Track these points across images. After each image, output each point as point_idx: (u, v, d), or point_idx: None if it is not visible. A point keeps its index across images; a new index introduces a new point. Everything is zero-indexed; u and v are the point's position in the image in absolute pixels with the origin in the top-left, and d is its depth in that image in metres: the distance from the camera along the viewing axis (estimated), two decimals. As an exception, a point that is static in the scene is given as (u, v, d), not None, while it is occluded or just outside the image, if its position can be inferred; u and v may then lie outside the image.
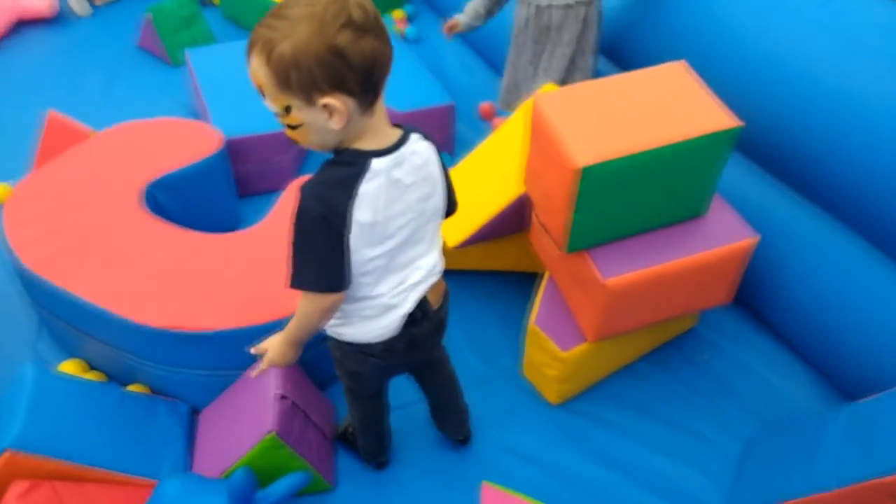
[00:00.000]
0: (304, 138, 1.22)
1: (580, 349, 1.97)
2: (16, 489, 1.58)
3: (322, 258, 1.26)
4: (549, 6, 2.40)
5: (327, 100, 1.13)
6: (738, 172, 2.23)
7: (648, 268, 1.81)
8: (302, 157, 2.92)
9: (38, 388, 1.77)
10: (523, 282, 2.40)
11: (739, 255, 1.88)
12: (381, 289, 1.38)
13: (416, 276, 1.43)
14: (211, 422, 1.93)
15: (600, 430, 2.05)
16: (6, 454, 1.61)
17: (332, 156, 1.26)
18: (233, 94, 2.78)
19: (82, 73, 3.50)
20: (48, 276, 1.94)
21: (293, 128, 1.20)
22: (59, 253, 2.00)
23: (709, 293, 1.97)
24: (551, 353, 1.97)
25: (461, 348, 2.25)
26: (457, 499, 1.84)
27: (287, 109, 1.17)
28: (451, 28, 2.64)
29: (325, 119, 1.16)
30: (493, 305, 2.40)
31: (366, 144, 1.23)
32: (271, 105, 1.18)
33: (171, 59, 3.54)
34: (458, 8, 2.69)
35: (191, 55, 3.07)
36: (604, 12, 2.50)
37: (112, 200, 2.18)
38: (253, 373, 1.50)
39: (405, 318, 1.45)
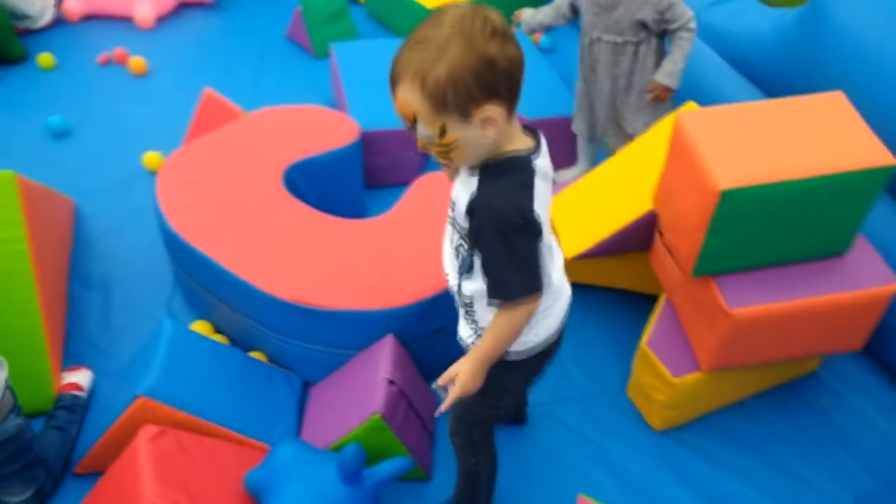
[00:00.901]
0: (460, 156, 1.22)
1: (692, 377, 1.92)
2: (145, 433, 1.69)
3: (529, 263, 1.26)
4: (599, 39, 2.48)
5: (483, 112, 1.15)
6: (884, 213, 2.10)
7: (779, 302, 1.74)
8: (428, 156, 3.00)
9: (173, 342, 1.91)
10: (637, 302, 2.37)
11: (880, 301, 1.77)
12: (554, 277, 1.41)
13: (561, 259, 1.47)
14: (321, 397, 2.02)
15: (703, 463, 1.98)
16: (140, 400, 1.75)
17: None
18: (371, 88, 2.90)
19: (235, 56, 3.75)
20: (192, 241, 2.09)
21: (447, 149, 1.20)
22: (204, 221, 2.15)
23: (840, 337, 1.87)
24: (661, 378, 1.93)
25: (565, 361, 2.25)
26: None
27: (443, 131, 1.18)
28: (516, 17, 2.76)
29: (480, 132, 1.18)
30: (602, 322, 2.37)
31: (516, 146, 1.25)
32: (426, 130, 1.19)
33: (315, 51, 3.72)
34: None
35: (335, 49, 3.22)
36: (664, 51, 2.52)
37: (256, 178, 2.32)
38: (437, 413, 1.41)
39: (568, 303, 1.49)
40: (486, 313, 1.37)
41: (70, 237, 2.58)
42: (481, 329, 1.41)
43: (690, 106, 2.12)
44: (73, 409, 1.97)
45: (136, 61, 3.59)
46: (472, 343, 1.45)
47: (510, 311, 1.29)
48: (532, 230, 1.23)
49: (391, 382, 1.84)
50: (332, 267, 2.02)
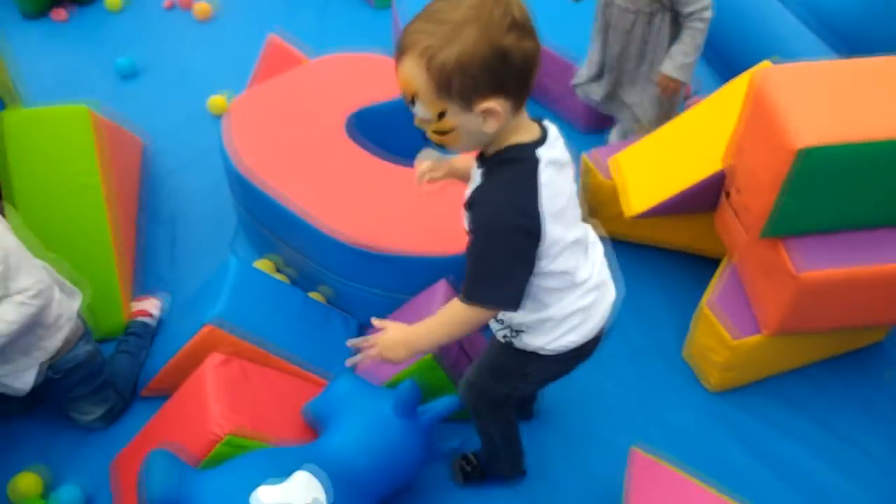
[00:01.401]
0: (455, 142, 1.18)
1: (753, 340, 1.90)
2: (212, 360, 1.76)
3: (508, 274, 1.22)
4: (612, 3, 2.29)
5: (487, 104, 1.10)
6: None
7: (848, 267, 1.70)
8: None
9: (238, 277, 1.96)
10: (697, 264, 2.34)
11: (957, 272, 1.71)
12: (582, 273, 1.34)
13: (599, 254, 1.42)
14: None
15: (757, 424, 1.98)
16: (208, 328, 1.82)
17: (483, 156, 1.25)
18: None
19: (298, 3, 3.75)
20: (256, 182, 2.13)
21: (443, 133, 1.17)
22: (269, 162, 2.19)
23: (912, 308, 1.82)
24: (721, 339, 1.92)
25: (621, 318, 2.23)
26: (605, 461, 1.85)
27: (441, 115, 1.13)
28: None
29: (480, 122, 1.13)
30: (660, 282, 2.35)
31: (521, 137, 1.20)
32: (424, 110, 1.14)
33: (375, 3, 3.71)
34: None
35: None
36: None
37: (320, 123, 2.34)
38: (349, 362, 1.36)
39: (612, 303, 1.44)
40: (516, 315, 1.35)
41: (139, 174, 2.65)
42: (511, 327, 1.39)
43: (765, 64, 2.05)
44: (143, 335, 2.05)
45: (201, 6, 3.62)
46: (504, 336, 1.43)
47: (468, 309, 1.25)
48: (531, 236, 1.18)
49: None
50: (392, 212, 2.04)
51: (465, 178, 1.39)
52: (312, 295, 2.18)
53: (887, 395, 2.05)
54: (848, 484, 1.86)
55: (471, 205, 1.23)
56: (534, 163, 1.18)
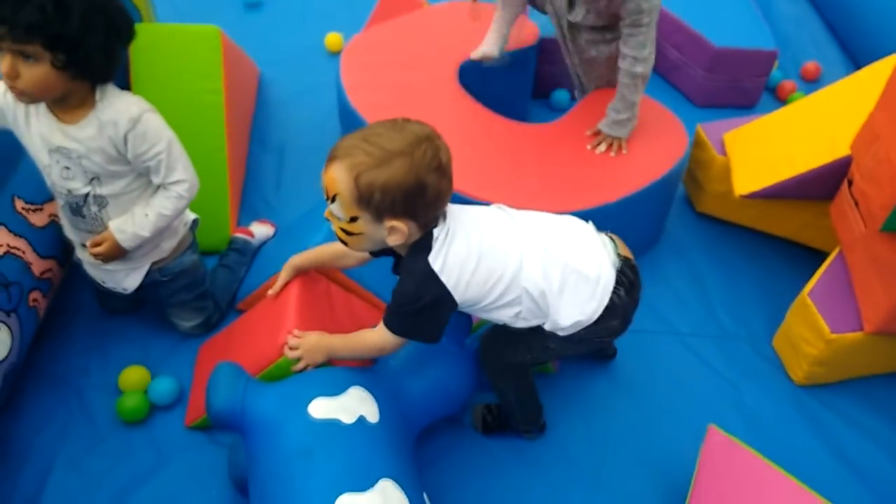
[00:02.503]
0: (357, 243, 1.37)
1: (851, 336, 1.82)
2: (303, 276, 1.79)
3: (431, 327, 1.44)
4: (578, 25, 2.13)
5: (395, 223, 1.29)
6: None
7: (974, 273, 1.60)
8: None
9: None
10: (797, 254, 2.26)
11: None
12: (554, 273, 1.46)
13: (588, 249, 1.52)
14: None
15: (840, 422, 1.91)
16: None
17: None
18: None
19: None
20: (369, 119, 2.18)
21: (349, 234, 1.35)
22: (381, 101, 2.23)
23: None
24: (818, 331, 1.85)
25: (711, 299, 2.20)
26: (680, 437, 1.83)
27: (353, 219, 1.31)
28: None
29: (385, 235, 1.32)
30: (758, 268, 2.28)
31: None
32: (339, 211, 1.31)
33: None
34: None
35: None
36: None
37: (433, 68, 2.37)
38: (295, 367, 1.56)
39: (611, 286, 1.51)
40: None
41: (254, 100, 2.76)
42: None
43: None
44: (244, 252, 2.16)
45: (327, -56, 3.67)
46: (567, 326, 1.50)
47: (387, 336, 1.45)
48: (443, 304, 1.38)
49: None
50: (493, 165, 2.05)
51: (323, 267, 1.75)
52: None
53: None
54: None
55: (399, 274, 1.44)
56: (426, 244, 1.35)
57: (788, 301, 2.00)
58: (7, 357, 1.66)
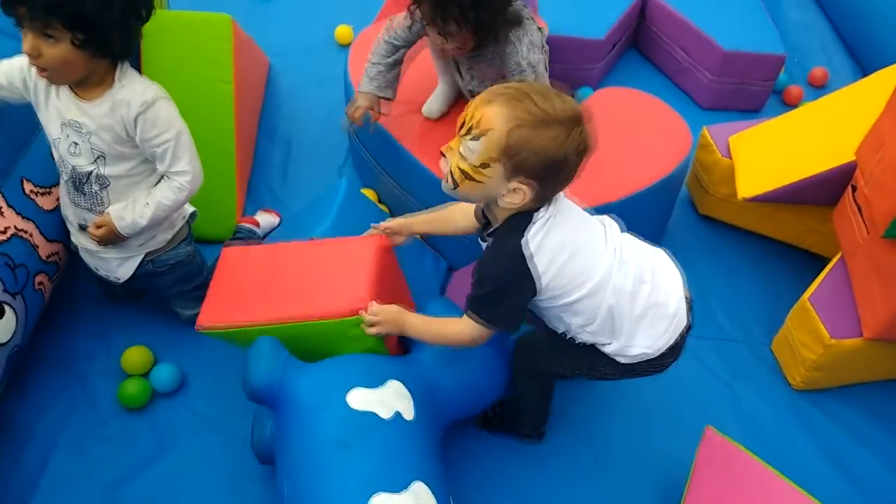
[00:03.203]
0: (469, 190, 1.30)
1: (850, 342, 1.84)
2: (378, 241, 1.66)
3: (510, 309, 1.40)
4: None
5: (522, 185, 1.26)
6: None
7: (975, 282, 1.61)
8: (608, 70, 2.93)
9: (347, 199, 2.03)
10: (800, 260, 2.26)
11: None
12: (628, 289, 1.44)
13: (664, 283, 1.50)
14: (461, 281, 2.11)
15: (836, 429, 1.93)
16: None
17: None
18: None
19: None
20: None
21: (468, 177, 1.28)
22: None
23: None
24: (817, 336, 1.86)
25: (711, 300, 2.21)
26: (676, 438, 1.84)
27: (485, 166, 1.25)
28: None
29: (503, 192, 1.28)
30: (760, 272, 2.29)
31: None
32: (475, 150, 1.25)
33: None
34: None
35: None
36: None
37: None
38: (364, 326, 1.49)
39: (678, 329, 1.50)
40: (562, 327, 1.48)
41: (263, 91, 2.77)
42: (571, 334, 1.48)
43: None
44: (249, 241, 2.17)
45: (339, -64, 3.67)
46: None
47: (472, 326, 1.40)
48: (525, 290, 1.35)
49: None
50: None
51: (423, 234, 1.72)
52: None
53: (985, 424, 1.95)
54: (920, 502, 1.79)
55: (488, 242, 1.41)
56: (528, 221, 1.32)
57: (788, 305, 2.01)
58: (11, 339, 1.68)
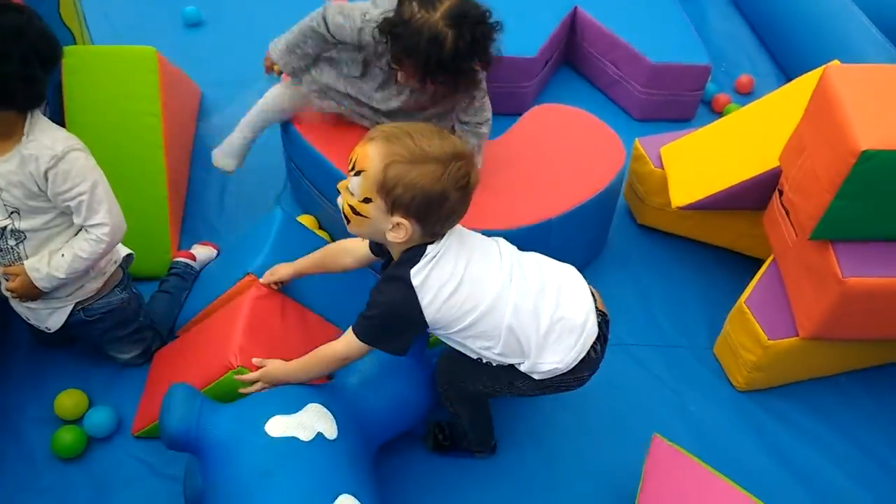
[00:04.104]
0: (358, 225, 1.38)
1: (788, 342, 1.88)
2: (255, 291, 1.77)
3: (398, 339, 1.46)
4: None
5: (403, 221, 1.31)
6: None
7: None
8: (542, 87, 2.97)
9: (283, 230, 2.00)
10: (735, 263, 2.32)
11: None
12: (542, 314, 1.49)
13: (575, 298, 1.56)
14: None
15: (780, 427, 1.97)
16: (250, 277, 1.86)
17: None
18: (502, 15, 2.85)
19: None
20: (309, 140, 2.17)
21: (356, 213, 1.35)
22: (323, 122, 2.21)
23: (955, 326, 1.78)
24: (755, 338, 1.90)
25: (653, 307, 2.25)
26: (625, 447, 1.86)
27: (366, 201, 1.32)
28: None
29: (388, 227, 1.34)
30: (699, 277, 2.34)
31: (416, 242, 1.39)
32: (358, 188, 1.32)
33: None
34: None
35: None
36: None
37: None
38: (243, 390, 1.57)
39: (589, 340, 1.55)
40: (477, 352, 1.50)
41: (195, 121, 2.72)
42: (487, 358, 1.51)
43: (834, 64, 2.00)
44: (185, 276, 2.11)
45: (270, -38, 3.65)
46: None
47: (353, 345, 1.45)
48: (414, 325, 1.41)
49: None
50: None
51: (314, 272, 1.78)
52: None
53: (918, 413, 2.02)
54: (862, 494, 1.85)
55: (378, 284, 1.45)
56: (417, 258, 1.36)
57: (727, 308, 2.05)
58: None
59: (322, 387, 1.62)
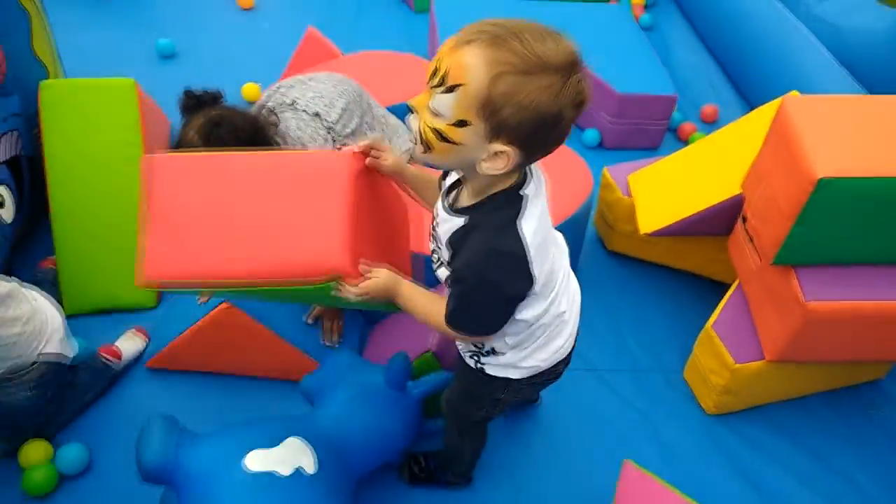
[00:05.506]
0: (443, 154, 1.07)
1: (754, 365, 1.92)
2: (354, 163, 1.30)
3: (495, 312, 1.20)
4: None
5: (506, 148, 1.03)
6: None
7: (857, 301, 1.72)
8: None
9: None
10: (704, 287, 2.36)
11: (964, 315, 1.73)
12: (564, 304, 1.34)
13: (571, 287, 1.41)
14: (381, 333, 2.09)
15: (749, 450, 2.00)
16: (225, 305, 1.87)
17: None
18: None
19: (337, 2, 3.83)
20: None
21: (443, 138, 1.05)
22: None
23: (915, 347, 1.84)
24: (722, 361, 1.94)
25: (624, 333, 2.28)
26: (597, 473, 1.87)
27: (461, 124, 1.03)
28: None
29: (483, 156, 1.06)
30: (668, 302, 2.38)
31: (503, 185, 1.14)
32: (447, 107, 1.02)
33: (415, 6, 3.77)
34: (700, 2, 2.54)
35: (436, 3, 3.24)
36: None
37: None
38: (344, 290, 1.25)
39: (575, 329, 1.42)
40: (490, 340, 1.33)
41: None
42: (482, 348, 1.35)
43: (794, 94, 2.08)
44: (99, 375, 1.94)
45: (245, -6, 3.70)
46: (472, 356, 1.39)
47: (449, 329, 1.23)
48: (519, 280, 1.14)
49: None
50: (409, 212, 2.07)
51: (407, 183, 1.38)
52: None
53: (881, 431, 2.07)
54: (833, 515, 1.87)
55: (456, 247, 1.16)
56: (518, 207, 1.12)
57: (697, 332, 2.08)
58: None
59: (302, 419, 1.61)
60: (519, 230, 1.11)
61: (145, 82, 2.44)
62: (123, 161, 2.15)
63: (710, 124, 3.13)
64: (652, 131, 2.90)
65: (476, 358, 1.39)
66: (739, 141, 2.14)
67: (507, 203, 1.12)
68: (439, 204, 1.23)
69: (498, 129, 1.02)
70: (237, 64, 3.28)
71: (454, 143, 1.05)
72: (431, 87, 1.04)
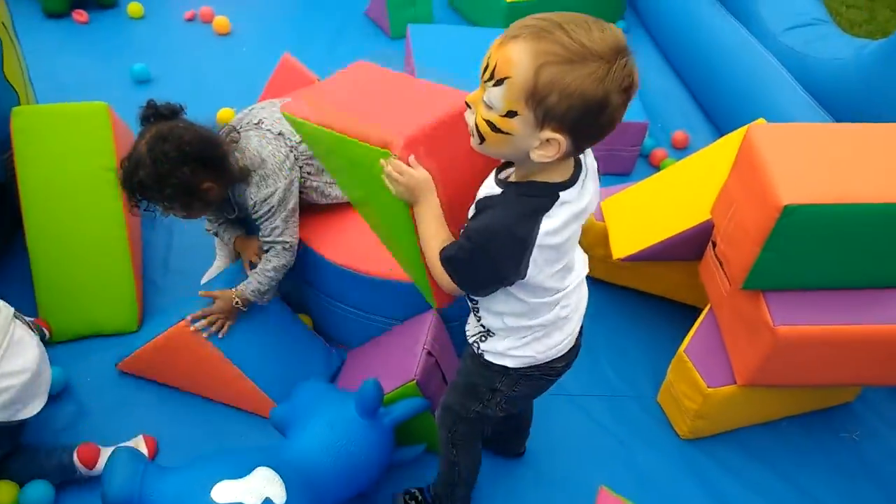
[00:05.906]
0: (496, 143, 1.14)
1: (726, 390, 1.93)
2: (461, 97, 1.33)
3: (488, 276, 1.25)
4: None
5: (556, 135, 1.08)
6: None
7: (825, 325, 1.74)
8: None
9: (232, 284, 1.99)
10: (677, 312, 2.39)
11: (929, 339, 1.76)
12: (569, 309, 1.40)
13: (584, 271, 1.45)
14: (357, 360, 2.08)
15: (723, 475, 2.01)
16: (183, 322, 1.89)
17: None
18: (443, 71, 2.95)
19: (314, 28, 3.85)
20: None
21: (495, 129, 1.12)
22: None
23: (884, 371, 1.86)
24: (695, 386, 1.95)
25: (599, 359, 2.28)
26: (573, 499, 1.87)
27: (511, 114, 1.09)
28: None
29: (534, 145, 1.11)
30: (641, 327, 2.40)
31: (551, 177, 1.19)
32: (499, 99, 1.09)
33: (391, 32, 3.80)
34: (672, 24, 2.53)
35: (412, 30, 3.28)
36: None
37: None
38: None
39: (574, 333, 1.46)
40: (490, 317, 1.37)
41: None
42: (486, 329, 1.40)
43: (760, 122, 2.12)
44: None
45: (221, 21, 3.71)
46: (475, 341, 1.44)
47: (438, 264, 1.27)
48: (515, 252, 1.18)
49: (430, 354, 1.89)
50: (363, 231, 2.04)
51: None
52: (301, 317, 2.20)
53: (852, 454, 2.09)
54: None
55: (479, 209, 1.24)
56: (551, 201, 1.17)
57: (670, 357, 2.10)
58: None
59: (272, 449, 1.58)
60: (538, 223, 1.17)
61: (120, 108, 2.43)
62: (99, 185, 2.14)
63: (682, 150, 3.18)
64: (624, 157, 2.94)
65: (477, 344, 1.44)
66: (709, 167, 2.18)
67: (541, 194, 1.18)
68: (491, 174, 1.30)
69: (546, 117, 1.07)
70: (213, 89, 3.28)
71: (506, 133, 1.12)
72: (484, 83, 1.12)
